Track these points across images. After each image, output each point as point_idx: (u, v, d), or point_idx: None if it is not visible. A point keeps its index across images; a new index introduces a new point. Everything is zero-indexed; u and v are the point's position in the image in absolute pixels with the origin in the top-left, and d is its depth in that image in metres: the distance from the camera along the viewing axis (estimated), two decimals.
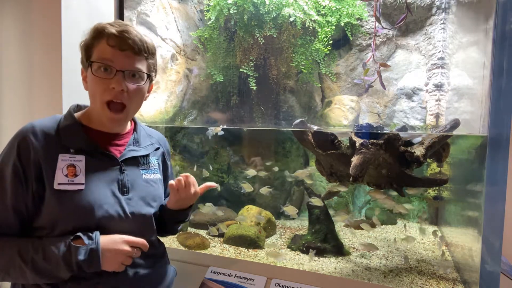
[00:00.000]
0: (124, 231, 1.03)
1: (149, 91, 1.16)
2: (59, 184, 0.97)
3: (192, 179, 1.16)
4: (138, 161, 1.15)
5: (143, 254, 1.09)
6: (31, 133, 0.99)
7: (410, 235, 2.24)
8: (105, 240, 0.98)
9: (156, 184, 1.18)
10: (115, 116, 1.04)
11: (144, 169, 1.15)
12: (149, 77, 1.10)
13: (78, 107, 1.16)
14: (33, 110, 1.83)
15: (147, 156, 1.18)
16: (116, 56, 1.00)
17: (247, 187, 2.36)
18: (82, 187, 0.99)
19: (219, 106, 2.68)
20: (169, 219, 1.23)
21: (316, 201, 2.14)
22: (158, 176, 1.20)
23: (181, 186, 1.13)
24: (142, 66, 1.05)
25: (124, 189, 1.07)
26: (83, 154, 1.03)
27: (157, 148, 1.25)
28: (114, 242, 0.99)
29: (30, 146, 0.97)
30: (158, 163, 1.23)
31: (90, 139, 1.06)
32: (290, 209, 2.22)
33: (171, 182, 1.13)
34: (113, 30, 0.99)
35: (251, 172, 2.50)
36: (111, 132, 1.12)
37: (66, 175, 0.98)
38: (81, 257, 0.93)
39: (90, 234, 0.97)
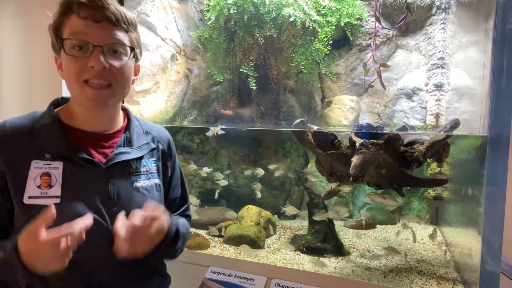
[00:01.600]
0: (108, 249, 0.84)
1: (136, 74, 0.99)
2: (29, 197, 0.82)
3: (145, 221, 0.84)
4: (130, 166, 0.95)
5: (135, 266, 0.94)
6: (3, 136, 0.85)
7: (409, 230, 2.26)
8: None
9: (150, 192, 0.98)
10: (99, 93, 0.85)
11: (136, 174, 0.96)
12: (133, 53, 0.92)
13: (63, 100, 0.98)
14: (33, 109, 1.83)
15: (140, 158, 0.98)
16: (90, 28, 0.83)
17: (257, 187, 2.37)
18: (58, 200, 0.83)
19: (219, 105, 2.68)
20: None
21: (343, 209, 2.12)
22: (155, 181, 1.01)
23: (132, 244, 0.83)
24: (124, 38, 0.88)
25: (108, 201, 0.89)
26: (60, 159, 0.86)
27: (154, 149, 1.04)
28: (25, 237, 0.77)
29: (3, 151, 0.84)
30: (157, 166, 1.03)
31: (70, 141, 0.89)
32: (290, 209, 2.22)
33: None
34: None
35: (259, 171, 2.48)
36: (96, 130, 0.94)
37: (39, 186, 0.83)
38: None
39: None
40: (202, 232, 2.56)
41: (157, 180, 1.02)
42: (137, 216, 0.84)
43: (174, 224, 0.99)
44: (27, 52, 1.85)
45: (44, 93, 1.80)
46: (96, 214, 0.87)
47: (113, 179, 0.91)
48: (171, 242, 0.97)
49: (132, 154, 0.96)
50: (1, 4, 1.89)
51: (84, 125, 0.93)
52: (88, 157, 0.89)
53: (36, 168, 0.85)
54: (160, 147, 1.07)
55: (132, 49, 0.91)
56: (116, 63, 0.87)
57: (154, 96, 2.54)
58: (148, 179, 0.99)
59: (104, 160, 0.92)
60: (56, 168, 0.86)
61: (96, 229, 0.83)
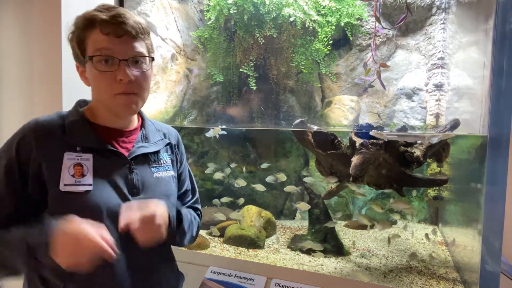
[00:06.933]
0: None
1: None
2: (65, 185, 0.90)
3: (143, 216, 0.90)
4: (149, 159, 1.06)
5: (158, 252, 1.05)
6: (34, 131, 0.93)
7: (396, 234, 2.28)
8: (68, 223, 0.84)
9: (168, 183, 1.10)
10: (129, 99, 0.95)
11: (155, 166, 1.07)
12: (152, 59, 1.03)
13: (84, 102, 1.07)
14: (33, 109, 1.83)
15: (157, 152, 1.10)
16: (114, 44, 0.91)
17: (281, 177, 2.37)
18: (90, 188, 0.92)
19: (220, 104, 2.68)
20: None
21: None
22: (171, 173, 1.12)
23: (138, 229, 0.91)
24: (143, 49, 0.97)
25: (134, 189, 1.00)
26: (90, 152, 0.96)
27: (168, 144, 1.16)
28: (78, 228, 0.83)
29: (32, 144, 0.91)
30: (171, 159, 1.15)
31: (98, 136, 0.98)
32: (302, 206, 2.23)
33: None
34: (104, 16, 0.89)
35: (281, 176, 2.42)
36: (118, 127, 1.04)
37: (73, 175, 0.92)
38: (33, 237, 0.84)
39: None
40: (202, 232, 2.56)
41: (172, 172, 1.13)
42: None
43: (173, 207, 1.06)
44: (28, 52, 1.85)
45: (44, 94, 1.80)
46: (124, 201, 0.96)
47: (137, 170, 1.02)
48: (178, 224, 1.06)
49: (150, 148, 1.07)
50: (1, 4, 1.89)
51: (108, 123, 1.02)
52: (114, 149, 0.99)
53: (69, 159, 0.93)
54: (172, 142, 1.18)
55: (152, 58, 1.01)
56: (138, 73, 0.96)
57: (154, 96, 2.54)
58: (166, 171, 1.10)
59: (127, 153, 1.02)
60: (87, 159, 0.95)
61: None
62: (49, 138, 0.94)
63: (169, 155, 1.15)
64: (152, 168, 1.06)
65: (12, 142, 0.93)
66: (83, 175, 0.93)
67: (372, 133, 1.82)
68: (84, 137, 0.97)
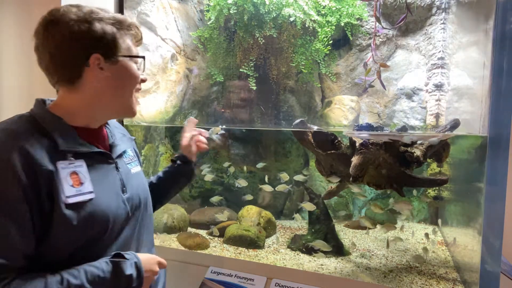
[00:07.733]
0: (129, 231, 0.99)
1: None
2: (67, 197, 0.82)
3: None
4: (122, 156, 1.05)
5: (149, 246, 1.11)
6: (21, 141, 0.81)
7: (398, 237, 2.28)
8: (142, 257, 0.95)
9: (142, 177, 1.11)
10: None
11: (129, 163, 1.07)
12: None
13: (44, 102, 0.97)
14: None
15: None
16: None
17: (284, 177, 2.39)
18: (93, 195, 0.87)
19: (219, 105, 2.68)
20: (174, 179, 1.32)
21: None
22: (139, 167, 1.12)
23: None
24: None
25: (123, 188, 0.98)
26: (81, 157, 0.89)
27: (132, 139, 1.18)
28: (149, 259, 0.97)
29: (31, 156, 0.80)
30: (136, 153, 1.15)
31: (83, 139, 0.93)
32: (308, 206, 2.24)
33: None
34: (137, 28, 1.00)
35: (284, 176, 2.48)
36: (94, 126, 0.99)
37: (72, 185, 0.84)
38: (128, 271, 0.88)
39: (123, 253, 0.92)
40: (202, 232, 2.56)
41: (139, 166, 1.14)
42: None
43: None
44: (28, 51, 1.85)
45: (44, 93, 1.80)
46: (120, 202, 0.96)
47: (120, 169, 1.01)
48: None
49: (121, 145, 1.06)
50: (1, 4, 1.89)
51: (87, 123, 0.96)
52: (103, 151, 0.97)
53: (63, 168, 0.85)
54: (131, 138, 1.18)
55: None
56: None
57: (154, 96, 2.54)
58: (136, 166, 1.10)
59: (109, 153, 1.00)
60: (81, 166, 0.89)
61: (123, 215, 0.95)
62: (39, 149, 0.82)
63: (131, 150, 1.13)
64: (127, 165, 1.05)
65: (13, 163, 0.78)
66: (81, 183, 0.86)
67: (345, 133, 1.82)
68: (73, 142, 0.89)
